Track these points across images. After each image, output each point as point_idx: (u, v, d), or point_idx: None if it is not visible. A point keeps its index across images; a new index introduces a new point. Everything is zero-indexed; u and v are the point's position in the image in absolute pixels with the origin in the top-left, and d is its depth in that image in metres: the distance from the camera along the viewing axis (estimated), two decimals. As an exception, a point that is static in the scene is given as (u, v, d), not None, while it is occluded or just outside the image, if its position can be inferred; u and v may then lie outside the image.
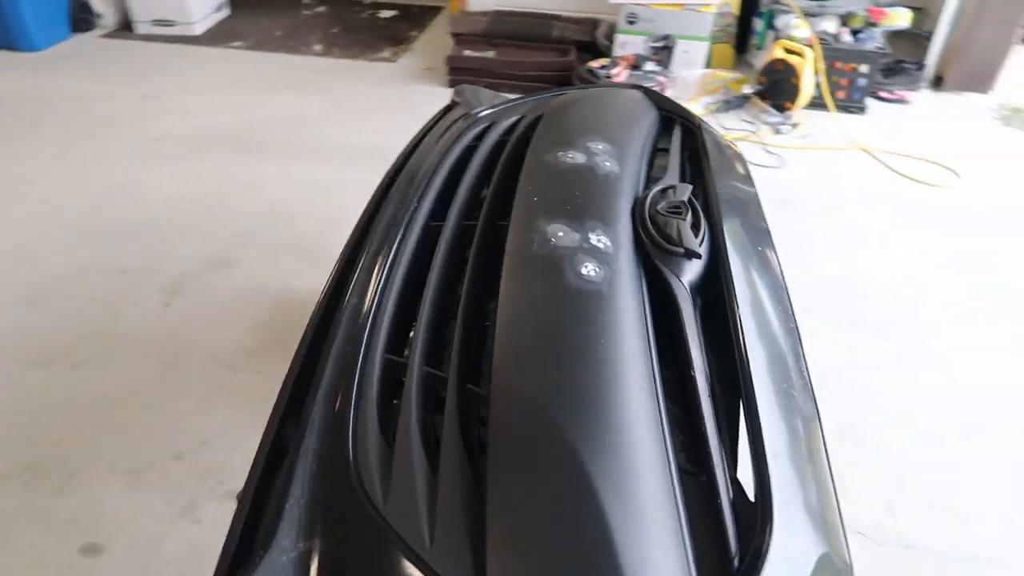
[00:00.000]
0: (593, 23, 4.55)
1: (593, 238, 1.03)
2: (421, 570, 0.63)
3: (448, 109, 1.64)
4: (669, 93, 3.89)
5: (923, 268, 2.88)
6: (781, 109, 3.95)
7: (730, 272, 1.02)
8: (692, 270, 1.03)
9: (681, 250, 1.03)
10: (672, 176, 1.28)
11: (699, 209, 1.13)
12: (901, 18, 4.09)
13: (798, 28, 3.97)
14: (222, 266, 2.72)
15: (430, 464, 0.74)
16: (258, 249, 2.81)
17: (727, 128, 3.85)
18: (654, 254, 1.04)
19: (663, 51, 4.09)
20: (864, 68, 3.98)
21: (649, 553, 0.66)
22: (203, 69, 4.60)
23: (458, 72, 4.26)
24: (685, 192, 1.16)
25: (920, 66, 4.39)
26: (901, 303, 2.68)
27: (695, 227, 1.08)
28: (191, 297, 2.56)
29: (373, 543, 0.66)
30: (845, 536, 0.77)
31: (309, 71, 4.61)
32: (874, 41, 4.04)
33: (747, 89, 4.01)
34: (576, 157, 1.22)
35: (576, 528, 0.66)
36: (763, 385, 0.87)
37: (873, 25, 4.08)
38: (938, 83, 4.50)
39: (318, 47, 5.00)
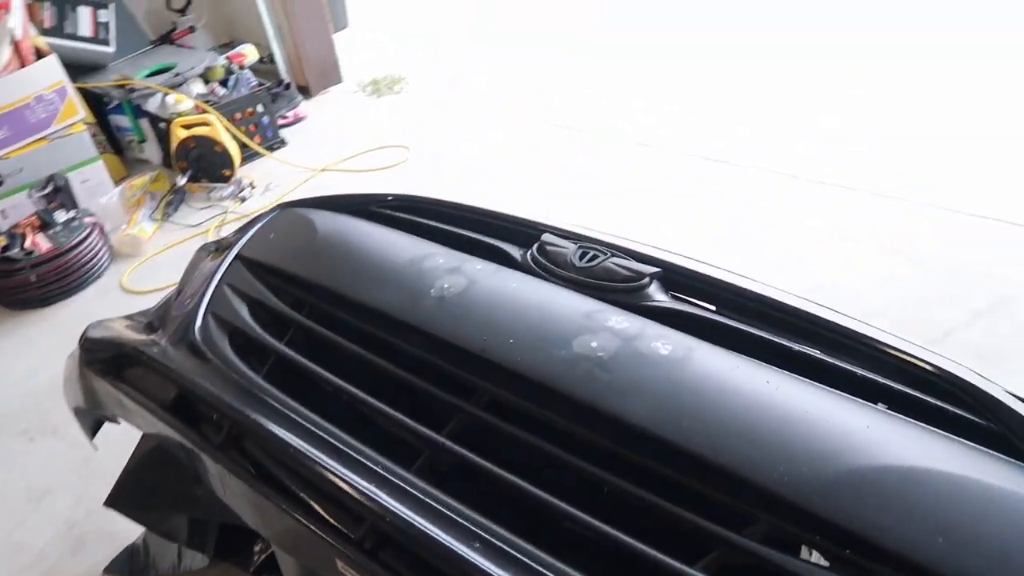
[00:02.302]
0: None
1: (613, 323, 0.89)
2: None
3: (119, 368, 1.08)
4: (107, 227, 3.31)
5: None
6: (224, 179, 3.73)
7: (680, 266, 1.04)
8: (657, 287, 1.01)
9: (646, 278, 0.99)
10: (506, 245, 1.14)
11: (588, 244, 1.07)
12: (252, 54, 4.20)
13: (180, 103, 3.71)
14: None
15: None
16: None
17: (195, 225, 3.47)
18: (626, 299, 0.98)
19: (58, 193, 3.37)
20: (260, 108, 4.00)
21: None
22: None
23: None
24: (558, 240, 1.08)
25: (287, 86, 4.62)
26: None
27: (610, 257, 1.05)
28: None
29: None
30: None
31: None
32: (249, 82, 4.08)
33: (179, 180, 3.64)
34: (455, 282, 0.98)
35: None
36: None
37: (240, 68, 4.09)
38: (306, 92, 4.84)
39: None
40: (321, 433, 0.86)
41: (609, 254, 1.04)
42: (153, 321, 1.25)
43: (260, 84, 4.12)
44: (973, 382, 0.86)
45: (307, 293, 1.08)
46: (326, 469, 0.81)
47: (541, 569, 0.69)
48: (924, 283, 2.59)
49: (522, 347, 0.87)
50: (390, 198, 1.35)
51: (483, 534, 0.72)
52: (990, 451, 0.76)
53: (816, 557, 0.72)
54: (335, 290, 1.04)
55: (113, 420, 1.24)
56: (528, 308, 0.94)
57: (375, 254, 1.11)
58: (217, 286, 1.18)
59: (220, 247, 1.34)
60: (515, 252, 1.12)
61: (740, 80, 4.43)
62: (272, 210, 1.41)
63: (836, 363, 0.90)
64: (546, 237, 1.10)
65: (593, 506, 0.74)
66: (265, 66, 4.81)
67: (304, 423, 0.88)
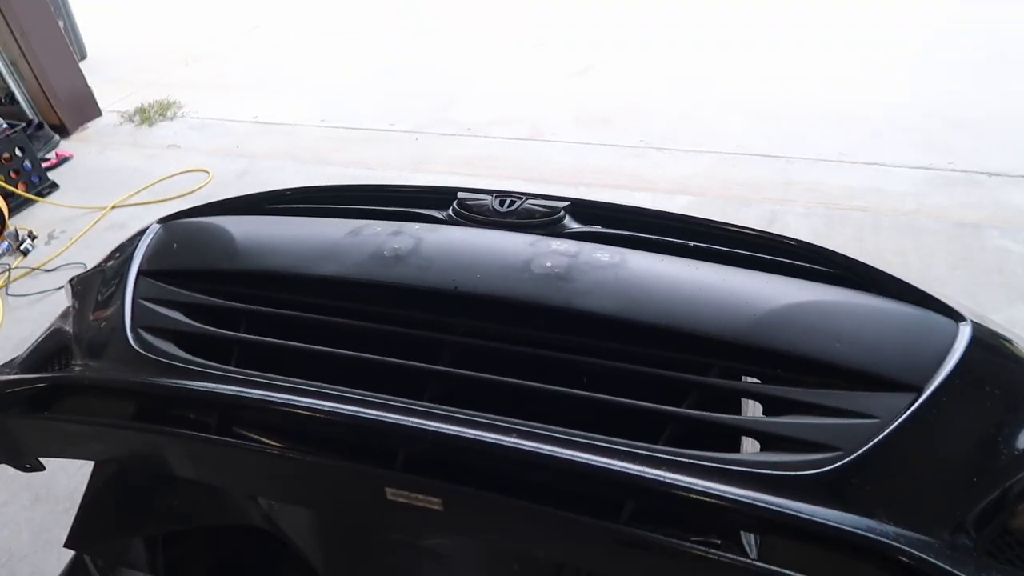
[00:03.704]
0: None
1: (555, 247, 1.03)
2: None
3: None
4: None
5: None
6: (-8, 236, 3.29)
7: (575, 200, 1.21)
8: (569, 219, 1.17)
9: (561, 212, 1.15)
10: (422, 210, 1.22)
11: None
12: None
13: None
14: None
15: None
16: None
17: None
18: (551, 231, 1.13)
19: None
20: (18, 151, 3.56)
21: None
22: None
23: None
24: (474, 196, 1.19)
25: (39, 125, 4.14)
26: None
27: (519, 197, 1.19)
28: None
29: None
30: None
31: None
32: (-2, 125, 3.61)
33: (-65, 245, 3.15)
34: (402, 242, 1.05)
35: None
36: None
37: (-18, 111, 3.60)
38: (62, 131, 4.37)
39: None
40: (326, 391, 0.91)
41: (524, 198, 1.19)
42: (25, 363, 1.17)
43: (12, 126, 3.66)
44: (816, 245, 1.14)
45: (251, 285, 1.09)
46: (351, 416, 0.86)
47: (577, 440, 0.81)
48: (710, 212, 3.06)
49: (490, 278, 0.99)
50: (288, 192, 1.37)
51: (516, 427, 0.83)
52: (841, 287, 1.02)
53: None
54: (288, 272, 1.07)
55: (35, 467, 1.14)
56: (479, 249, 1.06)
57: (310, 237, 1.14)
58: (133, 303, 1.14)
59: (105, 272, 1.27)
60: (435, 213, 1.22)
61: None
62: (145, 230, 1.35)
63: (720, 248, 1.13)
64: (462, 195, 1.22)
65: (587, 390, 0.88)
66: (5, 107, 4.27)
67: (303, 388, 0.92)
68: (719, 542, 0.74)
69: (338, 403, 0.90)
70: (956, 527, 0.77)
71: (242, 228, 1.24)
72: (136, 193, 3.60)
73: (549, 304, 0.97)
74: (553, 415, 0.88)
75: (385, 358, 0.95)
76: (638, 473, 0.75)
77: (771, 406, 0.85)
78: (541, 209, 1.20)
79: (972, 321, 0.92)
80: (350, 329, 1.01)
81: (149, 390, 0.99)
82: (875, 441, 0.75)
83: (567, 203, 1.24)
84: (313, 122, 4.22)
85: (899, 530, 0.73)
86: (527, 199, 1.23)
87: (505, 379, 0.91)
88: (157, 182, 3.68)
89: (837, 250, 1.14)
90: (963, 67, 4.19)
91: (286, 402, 0.91)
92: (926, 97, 3.86)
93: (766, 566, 0.71)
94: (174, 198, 3.53)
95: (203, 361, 1.01)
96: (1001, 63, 4.15)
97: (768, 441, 0.81)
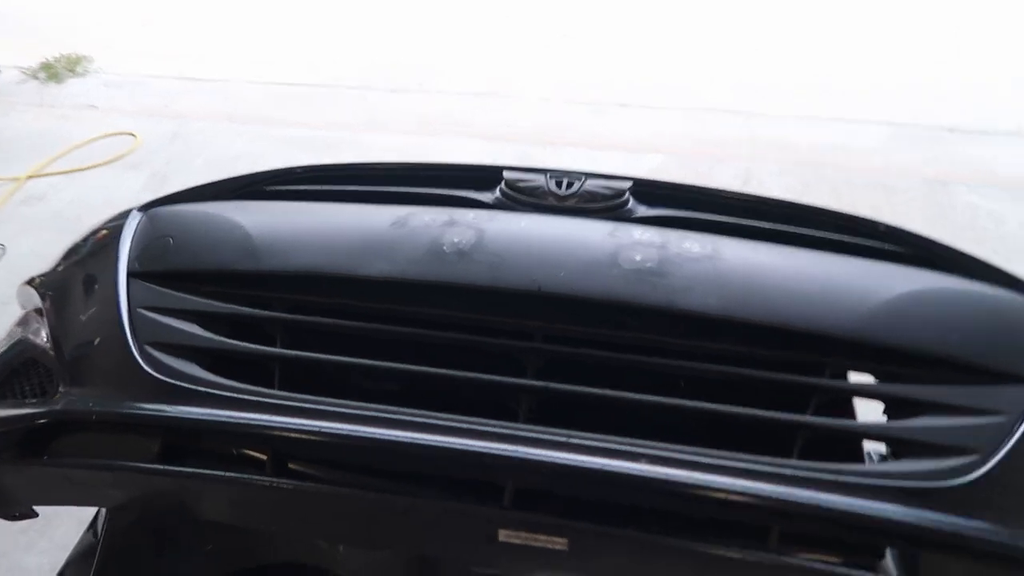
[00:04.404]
0: None
1: (638, 236, 0.92)
2: None
3: None
4: None
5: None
6: None
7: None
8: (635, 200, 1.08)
9: (627, 193, 1.03)
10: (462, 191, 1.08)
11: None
12: None
13: None
14: None
15: None
16: None
17: None
18: (618, 215, 1.03)
19: None
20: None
21: None
22: None
23: None
24: (523, 175, 1.07)
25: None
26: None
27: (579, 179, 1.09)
28: None
29: None
30: None
31: None
32: None
33: None
34: (462, 234, 0.90)
35: None
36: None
37: None
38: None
39: None
40: (403, 418, 0.78)
41: (584, 178, 1.05)
42: None
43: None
44: (895, 226, 1.06)
45: (282, 290, 0.92)
46: (444, 448, 0.73)
47: (715, 463, 0.71)
48: (685, 171, 3.00)
49: (576, 276, 0.86)
50: (297, 171, 1.18)
51: (644, 451, 0.72)
52: (933, 271, 0.95)
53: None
54: (330, 274, 0.90)
55: (25, 515, 0.96)
56: (555, 241, 0.92)
57: (347, 228, 0.97)
58: (131, 312, 0.95)
59: (80, 272, 1.07)
60: (479, 196, 1.07)
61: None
62: (121, 220, 1.12)
63: (801, 231, 1.04)
64: (509, 174, 1.07)
65: (691, 397, 0.78)
66: None
67: (380, 416, 0.78)
68: (877, 562, 0.69)
69: (428, 433, 0.76)
70: None
71: (257, 217, 1.05)
72: (53, 160, 3.23)
73: (648, 304, 0.85)
74: (656, 428, 0.78)
75: (474, 375, 0.81)
76: (800, 499, 0.67)
77: (894, 407, 0.79)
78: (604, 191, 1.07)
79: None
80: (415, 340, 0.87)
81: (185, 425, 0.82)
82: (1015, 440, 0.70)
83: (629, 182, 1.11)
84: (247, 77, 3.90)
85: None
86: (587, 179, 1.09)
87: (621, 394, 0.80)
88: (76, 147, 3.31)
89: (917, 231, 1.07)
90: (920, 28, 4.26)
91: (366, 435, 0.77)
92: (885, 56, 3.90)
93: None
94: (101, 165, 3.19)
95: (243, 386, 0.85)
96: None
97: (902, 446, 0.74)
